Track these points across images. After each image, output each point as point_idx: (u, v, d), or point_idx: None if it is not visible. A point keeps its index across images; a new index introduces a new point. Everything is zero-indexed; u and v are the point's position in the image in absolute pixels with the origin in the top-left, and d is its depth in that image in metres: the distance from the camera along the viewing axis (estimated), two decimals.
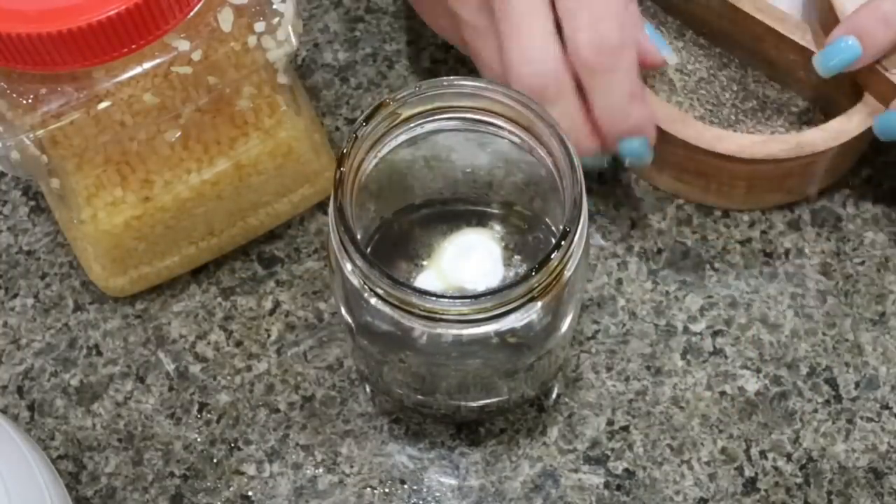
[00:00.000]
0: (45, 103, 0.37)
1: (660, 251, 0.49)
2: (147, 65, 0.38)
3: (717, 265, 0.49)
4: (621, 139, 0.42)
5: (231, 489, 0.44)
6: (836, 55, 0.44)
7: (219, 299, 0.48)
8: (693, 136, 0.45)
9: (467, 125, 0.39)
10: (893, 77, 0.44)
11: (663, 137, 0.44)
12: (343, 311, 0.39)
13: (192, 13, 0.38)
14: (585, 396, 0.46)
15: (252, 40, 0.39)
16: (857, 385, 0.46)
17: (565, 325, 0.40)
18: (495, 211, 0.43)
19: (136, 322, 0.48)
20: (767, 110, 0.49)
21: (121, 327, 0.48)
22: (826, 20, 0.46)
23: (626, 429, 0.46)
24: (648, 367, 0.47)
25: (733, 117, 0.49)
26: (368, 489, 0.44)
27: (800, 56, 0.47)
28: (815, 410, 0.46)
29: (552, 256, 0.35)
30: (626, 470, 0.45)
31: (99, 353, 0.47)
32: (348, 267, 0.36)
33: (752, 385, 0.46)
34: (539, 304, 0.36)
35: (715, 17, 0.48)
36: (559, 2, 0.40)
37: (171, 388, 0.46)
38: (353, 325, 0.39)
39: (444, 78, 0.37)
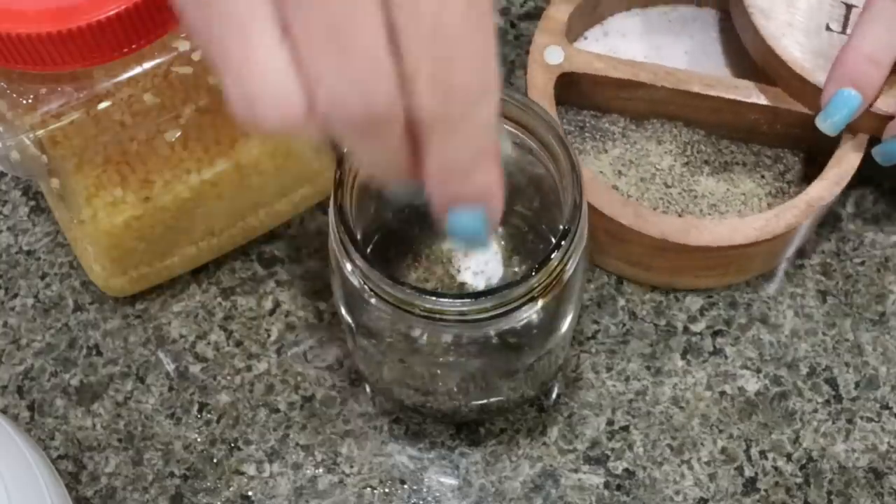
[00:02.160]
0: (45, 103, 0.37)
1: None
2: (147, 65, 0.38)
3: None
4: (452, 208, 0.29)
5: (231, 489, 0.44)
6: (839, 109, 0.43)
7: (219, 299, 0.48)
8: (712, 238, 0.44)
9: None
10: (879, 111, 0.44)
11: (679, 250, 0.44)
12: (343, 311, 0.39)
13: None
14: (585, 396, 0.46)
15: None
16: (857, 385, 0.46)
17: (565, 325, 0.40)
18: None
19: (136, 322, 0.48)
20: (749, 171, 0.49)
21: (121, 327, 0.48)
22: (768, 62, 0.46)
23: (626, 429, 0.46)
24: (648, 367, 0.47)
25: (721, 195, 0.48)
26: (368, 489, 0.44)
27: (761, 114, 0.47)
28: (815, 410, 0.46)
29: (552, 256, 0.35)
30: (626, 470, 0.45)
31: (99, 353, 0.47)
32: (348, 267, 0.36)
33: (752, 385, 0.46)
34: (539, 304, 0.36)
35: (663, 104, 0.48)
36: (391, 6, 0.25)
37: (171, 388, 0.46)
38: (353, 325, 0.39)
39: None
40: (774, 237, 0.44)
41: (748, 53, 0.48)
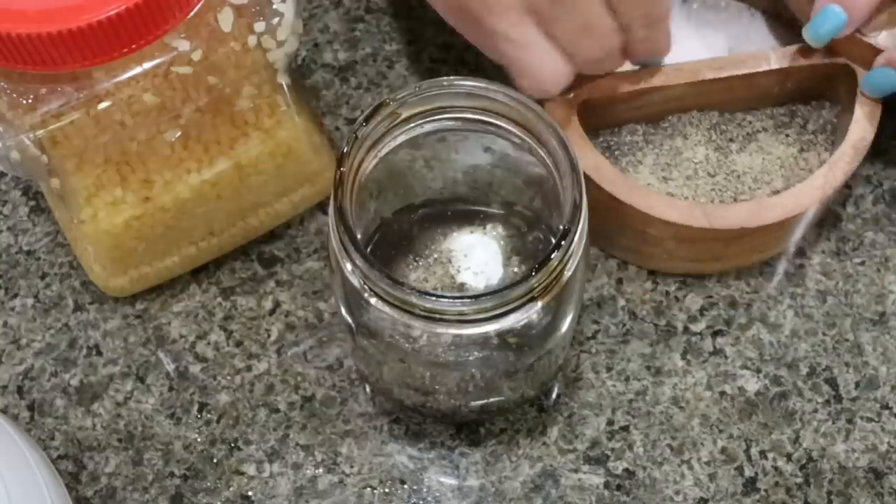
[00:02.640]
0: (45, 103, 0.37)
1: None
2: (147, 65, 0.38)
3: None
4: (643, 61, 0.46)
5: (231, 489, 0.44)
6: (823, 24, 0.45)
7: (219, 299, 0.48)
8: (783, 212, 0.45)
9: (467, 125, 0.39)
10: (870, 40, 0.45)
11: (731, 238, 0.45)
12: (343, 311, 0.39)
13: (192, 13, 0.38)
14: (585, 396, 0.46)
15: (252, 40, 0.39)
16: (857, 385, 0.46)
17: (565, 325, 0.40)
18: (495, 211, 0.43)
19: (136, 322, 0.48)
20: (774, 135, 0.49)
21: (121, 327, 0.48)
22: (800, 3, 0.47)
23: (626, 429, 0.46)
24: (648, 367, 0.47)
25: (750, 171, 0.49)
26: (368, 489, 0.44)
27: (774, 78, 0.47)
28: (815, 410, 0.46)
29: (552, 256, 0.35)
30: (626, 470, 0.45)
31: (99, 353, 0.47)
32: (348, 267, 0.36)
33: (752, 385, 0.46)
34: (539, 304, 0.36)
35: (677, 100, 0.48)
36: None
37: (171, 388, 0.46)
38: (353, 325, 0.39)
39: (444, 78, 0.37)
40: (834, 189, 0.45)
41: None
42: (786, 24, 0.50)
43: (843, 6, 0.44)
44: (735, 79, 0.47)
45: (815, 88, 0.48)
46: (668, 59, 0.46)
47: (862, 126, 0.46)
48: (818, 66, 0.47)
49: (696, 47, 0.50)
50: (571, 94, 0.46)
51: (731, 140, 0.48)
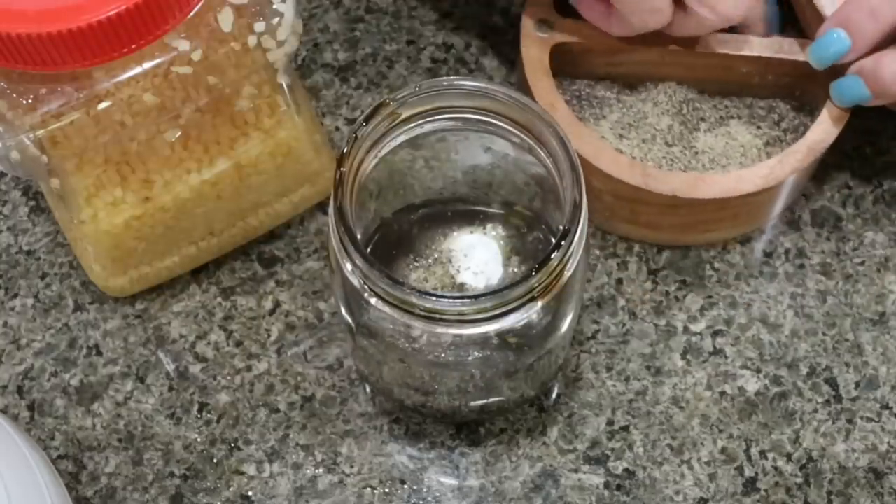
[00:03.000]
0: (45, 103, 0.37)
1: (660, 251, 0.49)
2: (147, 65, 0.38)
3: (717, 265, 0.49)
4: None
5: (231, 489, 0.44)
6: (826, 48, 0.45)
7: (219, 299, 0.48)
8: (721, 190, 0.45)
9: (467, 125, 0.39)
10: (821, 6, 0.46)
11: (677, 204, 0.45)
12: (343, 311, 0.39)
13: (192, 13, 0.38)
14: (585, 396, 0.46)
15: (252, 40, 0.39)
16: (857, 385, 0.46)
17: (565, 325, 0.40)
18: (495, 211, 0.43)
19: (136, 322, 0.48)
20: (745, 124, 0.49)
21: (121, 327, 0.48)
22: (807, 17, 0.48)
23: (626, 429, 0.46)
24: (648, 367, 0.47)
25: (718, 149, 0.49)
26: (368, 489, 0.44)
27: (753, 66, 0.48)
28: (815, 410, 0.46)
29: (552, 256, 0.35)
30: (626, 470, 0.45)
31: (99, 353, 0.47)
32: (348, 267, 0.36)
33: (752, 385, 0.46)
34: (539, 304, 0.36)
35: (655, 66, 0.49)
36: None
37: (171, 388, 0.46)
38: (353, 325, 0.39)
39: (444, 78, 0.37)
40: (779, 183, 0.45)
41: None
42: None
43: (849, 32, 0.44)
44: (714, 57, 0.47)
45: (797, 88, 0.49)
46: None
47: (824, 128, 0.46)
48: (800, 64, 0.47)
49: None
50: (547, 35, 0.47)
51: (701, 119, 0.49)
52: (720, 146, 0.48)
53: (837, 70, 0.45)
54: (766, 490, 0.44)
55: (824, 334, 0.47)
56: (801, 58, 0.47)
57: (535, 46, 0.47)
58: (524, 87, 0.47)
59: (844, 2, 0.45)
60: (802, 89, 0.48)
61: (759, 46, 0.47)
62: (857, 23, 0.44)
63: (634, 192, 0.45)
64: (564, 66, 0.48)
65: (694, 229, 0.48)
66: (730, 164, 0.47)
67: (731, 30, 0.47)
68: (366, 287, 0.35)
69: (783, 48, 0.47)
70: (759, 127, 0.49)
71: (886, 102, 0.45)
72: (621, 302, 0.48)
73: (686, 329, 0.47)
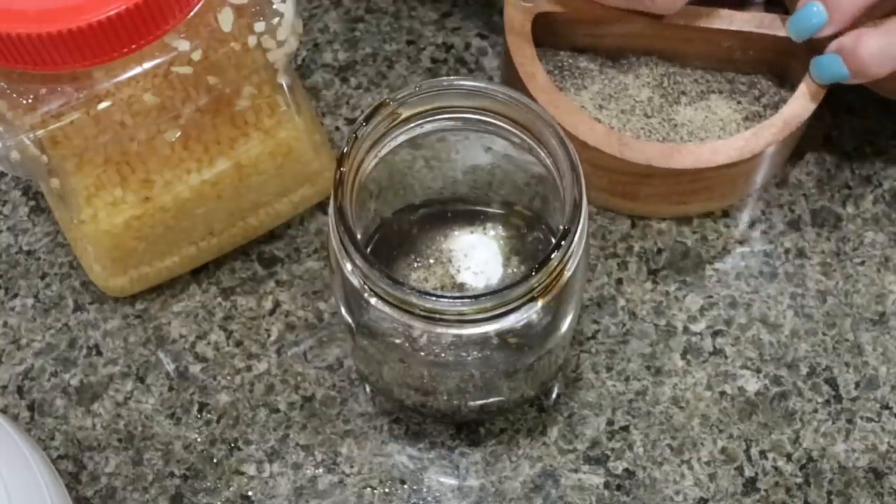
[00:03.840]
0: (45, 103, 0.37)
1: (660, 251, 0.49)
2: (147, 65, 0.38)
3: (717, 265, 0.49)
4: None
5: (231, 489, 0.44)
6: (804, 21, 0.45)
7: (219, 299, 0.48)
8: (695, 161, 0.45)
9: (467, 125, 0.39)
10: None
11: (653, 174, 0.46)
12: (343, 311, 0.39)
13: (192, 13, 0.38)
14: (585, 396, 0.46)
15: (252, 40, 0.39)
16: (857, 385, 0.46)
17: (565, 325, 0.40)
18: (495, 211, 0.43)
19: (136, 322, 0.48)
20: (726, 99, 0.49)
21: (121, 327, 0.48)
22: None
23: (626, 429, 0.46)
24: (648, 367, 0.47)
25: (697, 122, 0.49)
26: (368, 489, 0.44)
27: (734, 40, 0.48)
28: (815, 410, 0.46)
29: (552, 256, 0.35)
30: (626, 470, 0.45)
31: (99, 353, 0.47)
32: (348, 267, 0.36)
33: (752, 385, 0.46)
34: (539, 304, 0.36)
35: (637, 38, 0.49)
36: None
37: (171, 388, 0.46)
38: (353, 326, 0.39)
39: (444, 78, 0.37)
40: (754, 156, 0.45)
41: None
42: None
43: (826, 6, 0.44)
44: (694, 30, 0.48)
45: (779, 63, 0.49)
46: None
47: (801, 103, 0.46)
48: (780, 39, 0.47)
49: None
50: (531, 4, 0.47)
51: (682, 93, 0.49)
52: (699, 119, 0.48)
53: (818, 46, 0.45)
54: (766, 490, 0.44)
55: (824, 334, 0.47)
56: (782, 33, 0.47)
57: (518, 15, 0.47)
58: (506, 55, 0.48)
59: None
60: (784, 65, 0.48)
61: (741, 21, 0.47)
62: None
63: (611, 161, 0.45)
64: (548, 35, 0.49)
65: (669, 200, 0.48)
66: (708, 138, 0.48)
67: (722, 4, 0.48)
68: (366, 287, 0.35)
69: (764, 23, 0.47)
70: (739, 102, 0.49)
71: (864, 81, 0.45)
72: (621, 302, 0.48)
73: (686, 329, 0.47)
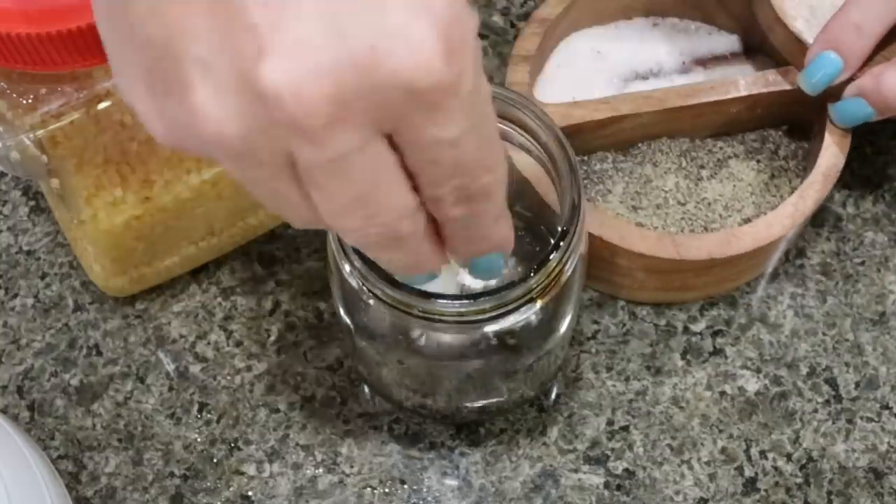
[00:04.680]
0: (45, 103, 0.37)
1: None
2: None
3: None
4: (474, 258, 0.32)
5: (231, 489, 0.45)
6: (818, 71, 0.44)
7: (219, 299, 0.48)
8: (754, 241, 0.44)
9: None
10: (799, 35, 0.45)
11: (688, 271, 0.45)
12: (342, 312, 0.39)
13: None
14: (585, 396, 0.46)
15: None
16: (857, 385, 0.46)
17: (564, 326, 0.40)
18: None
19: (136, 322, 0.48)
20: (744, 161, 0.49)
21: (121, 327, 0.48)
22: (779, 41, 0.47)
23: (626, 429, 0.46)
24: (648, 367, 0.47)
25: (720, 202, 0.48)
26: (368, 489, 0.44)
27: (742, 104, 0.47)
28: (815, 410, 0.46)
29: (551, 257, 0.35)
30: (626, 470, 0.45)
31: (99, 353, 0.47)
32: (347, 268, 0.36)
33: (752, 385, 0.46)
34: (538, 304, 0.36)
35: (645, 128, 0.48)
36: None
37: (171, 388, 0.46)
38: (351, 327, 0.39)
39: None
40: (806, 218, 0.45)
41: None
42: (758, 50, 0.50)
43: (839, 53, 0.44)
44: (704, 105, 0.47)
45: (786, 113, 0.48)
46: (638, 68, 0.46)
47: (832, 153, 0.45)
48: (788, 92, 0.46)
49: (661, 52, 0.51)
50: None
51: (701, 167, 0.48)
52: (729, 191, 0.47)
53: (827, 91, 0.45)
54: (766, 490, 0.44)
55: (824, 334, 0.47)
56: (787, 86, 0.46)
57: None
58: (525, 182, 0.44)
59: (827, 23, 0.44)
60: (790, 114, 0.48)
61: (748, 84, 0.47)
62: (846, 42, 0.44)
63: (670, 264, 0.44)
64: None
65: (727, 280, 0.47)
66: (745, 207, 0.47)
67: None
68: (364, 288, 0.35)
69: (769, 81, 0.47)
70: (758, 161, 0.48)
71: (891, 115, 0.45)
72: (621, 302, 0.48)
73: (686, 329, 0.47)
